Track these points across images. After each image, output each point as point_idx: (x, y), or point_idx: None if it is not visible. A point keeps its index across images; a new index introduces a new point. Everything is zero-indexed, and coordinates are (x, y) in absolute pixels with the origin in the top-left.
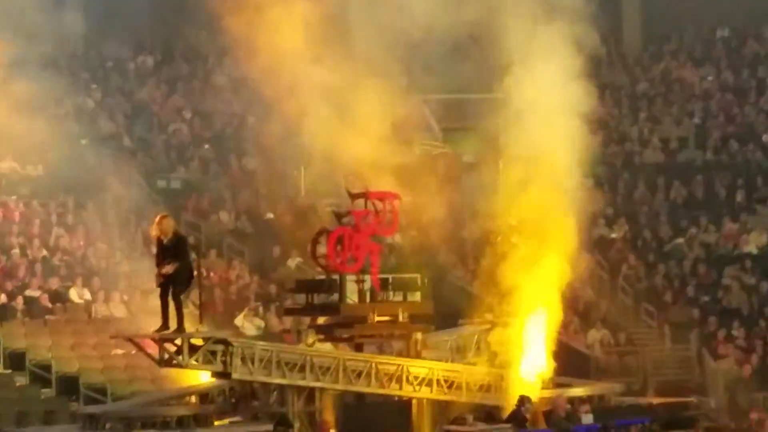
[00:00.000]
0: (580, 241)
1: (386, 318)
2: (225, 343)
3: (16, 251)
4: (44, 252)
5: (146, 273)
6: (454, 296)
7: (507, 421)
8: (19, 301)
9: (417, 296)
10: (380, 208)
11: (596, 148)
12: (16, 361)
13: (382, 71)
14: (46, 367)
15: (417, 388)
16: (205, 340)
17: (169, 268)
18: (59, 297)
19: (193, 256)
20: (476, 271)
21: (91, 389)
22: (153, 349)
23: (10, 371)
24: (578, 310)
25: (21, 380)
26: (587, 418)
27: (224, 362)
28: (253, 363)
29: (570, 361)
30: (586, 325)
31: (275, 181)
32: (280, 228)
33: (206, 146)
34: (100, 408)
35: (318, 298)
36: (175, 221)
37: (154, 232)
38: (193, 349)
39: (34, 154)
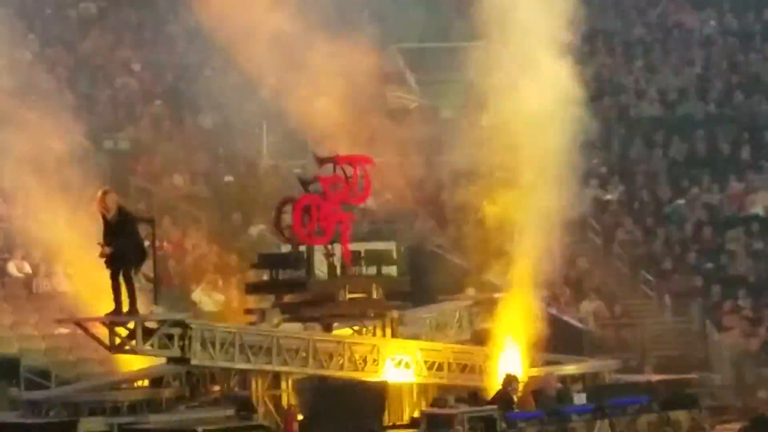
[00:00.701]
0: (570, 203)
1: (359, 295)
2: (182, 325)
3: None
4: None
5: (93, 243)
6: (433, 267)
7: (492, 402)
8: None
9: (392, 270)
10: (351, 174)
11: (588, 100)
12: None
13: (350, 18)
14: None
15: (394, 369)
16: (161, 323)
17: (106, 249)
18: None
19: (147, 231)
20: (457, 239)
21: (32, 372)
22: (103, 333)
23: None
24: (570, 280)
25: None
26: (580, 398)
27: (182, 347)
28: (213, 347)
29: (561, 336)
30: (579, 296)
31: (234, 141)
32: (240, 192)
33: (157, 102)
34: (43, 393)
35: (283, 274)
36: (119, 194)
37: (96, 207)
38: (148, 333)
39: None
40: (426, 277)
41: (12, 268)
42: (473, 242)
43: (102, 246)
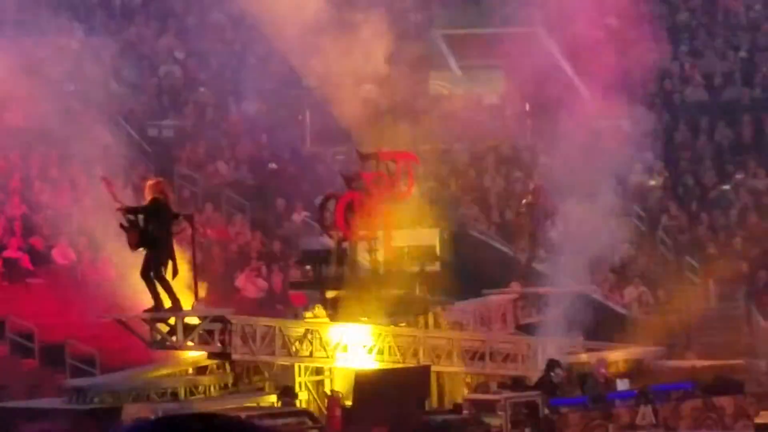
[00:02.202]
0: (616, 190)
1: (402, 291)
2: (223, 320)
3: None
4: (24, 209)
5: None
6: (477, 252)
7: (535, 387)
8: None
9: (435, 266)
10: (394, 170)
11: (632, 86)
12: None
13: (393, 4)
14: (28, 336)
15: (436, 360)
16: (201, 318)
17: (130, 235)
18: (42, 258)
19: (181, 225)
20: (501, 225)
21: (78, 359)
22: (144, 328)
23: None
24: (614, 266)
25: (0, 350)
26: (623, 384)
27: (222, 341)
28: (254, 341)
29: (605, 322)
30: (623, 282)
31: (278, 128)
32: (283, 179)
33: (202, 90)
34: (89, 380)
35: (326, 270)
36: (160, 184)
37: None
38: (188, 329)
39: (11, 101)
40: (469, 263)
41: (57, 255)
42: (517, 229)
43: (125, 229)
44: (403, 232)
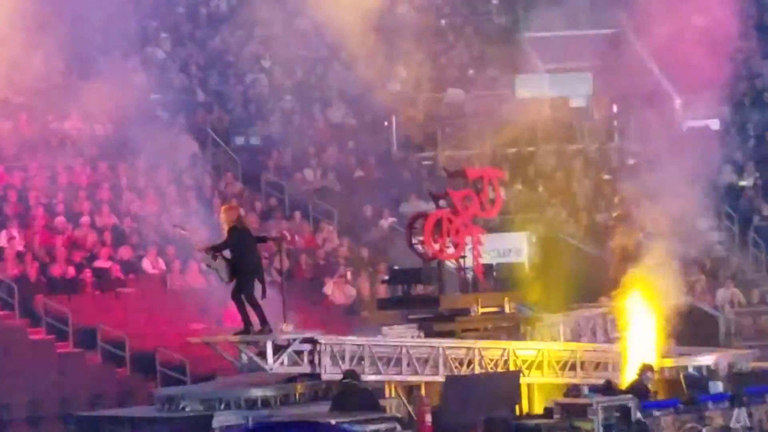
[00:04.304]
0: (706, 191)
1: (491, 309)
2: (312, 341)
3: (83, 219)
4: (114, 219)
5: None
6: (566, 257)
7: (627, 392)
8: (88, 274)
9: (524, 282)
10: (481, 188)
11: (722, 86)
12: (87, 338)
13: (478, 7)
14: (120, 345)
15: (526, 371)
16: (291, 340)
17: (209, 260)
18: (131, 268)
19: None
20: (590, 228)
21: (168, 367)
22: (234, 351)
23: (80, 350)
24: (705, 267)
25: (93, 359)
26: (715, 387)
27: (312, 362)
28: (343, 360)
29: (697, 324)
30: (715, 284)
31: (364, 134)
32: (371, 185)
33: (287, 98)
34: (180, 389)
35: (415, 289)
36: (237, 209)
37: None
38: (277, 349)
39: (100, 111)
40: (558, 268)
41: (147, 264)
42: (605, 231)
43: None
44: (491, 236)
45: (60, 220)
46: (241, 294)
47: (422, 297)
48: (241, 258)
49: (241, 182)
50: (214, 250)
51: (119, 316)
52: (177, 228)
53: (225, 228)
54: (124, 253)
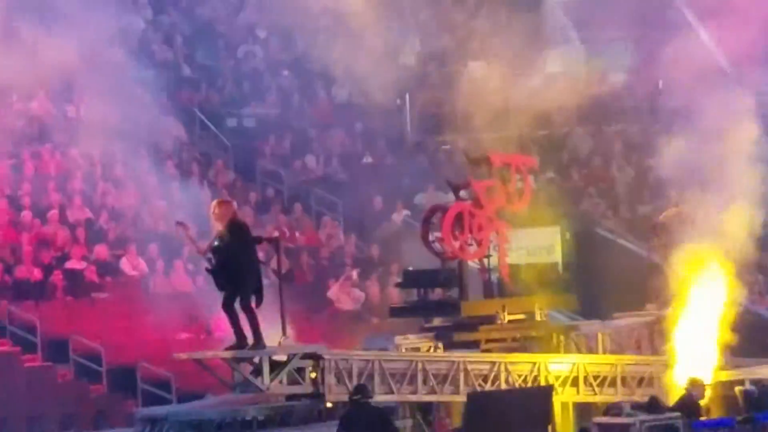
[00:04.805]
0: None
1: (520, 316)
2: (314, 357)
3: (52, 213)
4: (88, 213)
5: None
6: (605, 255)
7: (675, 409)
8: (59, 276)
9: (557, 285)
10: (508, 177)
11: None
12: (58, 350)
13: None
14: (95, 358)
15: (559, 389)
16: (290, 355)
17: (208, 260)
18: (108, 269)
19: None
20: (632, 222)
21: (151, 384)
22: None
23: (50, 363)
24: (763, 267)
25: (64, 374)
26: None
27: (314, 381)
28: (350, 378)
29: (755, 332)
30: None
31: (374, 115)
32: (381, 174)
33: (285, 73)
34: (164, 409)
35: (433, 294)
36: (233, 205)
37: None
38: (276, 367)
39: (71, 90)
40: (596, 268)
41: (126, 265)
42: (651, 226)
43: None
44: (519, 232)
45: (26, 214)
46: (234, 302)
47: (440, 302)
48: (238, 260)
49: (234, 171)
50: (217, 251)
51: (94, 324)
52: (180, 227)
53: (218, 226)
54: (100, 252)
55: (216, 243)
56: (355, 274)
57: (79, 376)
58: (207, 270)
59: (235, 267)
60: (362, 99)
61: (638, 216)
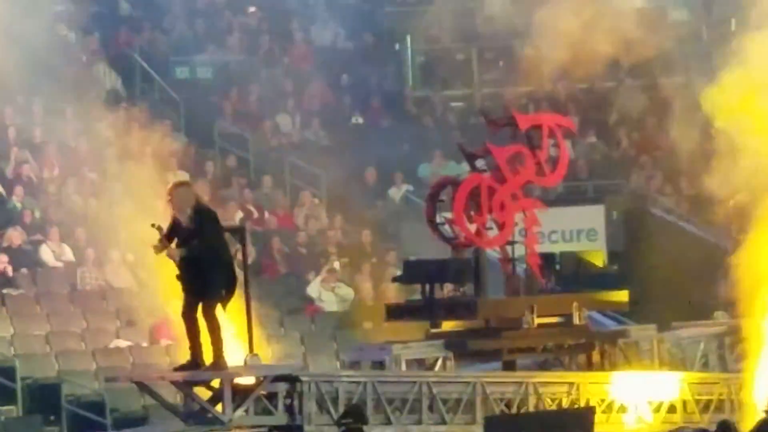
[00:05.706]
0: None
1: (553, 319)
2: (290, 379)
3: None
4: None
5: (163, 217)
6: (662, 241)
7: None
8: None
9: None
10: (537, 142)
11: None
12: None
13: None
14: (7, 371)
15: (604, 416)
16: (259, 378)
17: (175, 252)
18: (24, 259)
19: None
20: (696, 200)
21: (79, 405)
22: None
23: None
24: None
25: None
26: None
27: (290, 409)
28: (335, 405)
29: None
30: None
31: (365, 63)
32: (374, 138)
33: (252, 10)
34: None
35: (441, 291)
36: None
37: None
38: (240, 393)
39: None
40: (650, 258)
41: (47, 254)
42: (718, 204)
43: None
44: (552, 213)
45: None
46: (197, 308)
47: (451, 302)
48: (209, 258)
49: (185, 134)
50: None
51: (7, 329)
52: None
53: (176, 213)
54: (13, 237)
55: (176, 238)
56: (340, 266)
57: None
58: (177, 278)
59: (206, 265)
60: (351, 43)
61: (704, 192)
